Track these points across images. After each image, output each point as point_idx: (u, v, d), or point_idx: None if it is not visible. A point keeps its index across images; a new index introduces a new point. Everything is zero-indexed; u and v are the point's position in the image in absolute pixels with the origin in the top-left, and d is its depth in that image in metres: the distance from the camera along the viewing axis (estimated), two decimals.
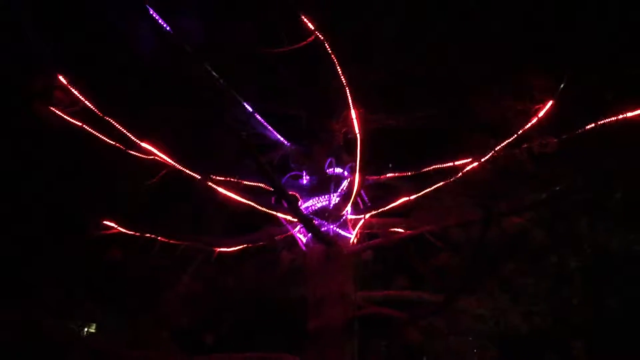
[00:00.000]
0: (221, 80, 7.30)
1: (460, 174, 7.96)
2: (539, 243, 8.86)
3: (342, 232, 8.96)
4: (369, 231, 9.37)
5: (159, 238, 9.28)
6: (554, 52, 7.11)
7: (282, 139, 9.47)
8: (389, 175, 9.32)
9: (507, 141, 7.39)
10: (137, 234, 9.22)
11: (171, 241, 9.37)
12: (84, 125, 7.59)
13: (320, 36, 6.95)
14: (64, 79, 7.19)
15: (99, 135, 7.72)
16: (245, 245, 9.82)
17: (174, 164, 7.82)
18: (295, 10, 6.76)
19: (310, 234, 9.01)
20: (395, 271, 9.99)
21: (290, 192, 9.33)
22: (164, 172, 8.05)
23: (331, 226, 8.83)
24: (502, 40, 7.34)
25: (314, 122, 9.40)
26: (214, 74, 7.13)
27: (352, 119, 7.85)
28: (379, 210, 8.79)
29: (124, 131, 7.55)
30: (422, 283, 9.76)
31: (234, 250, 9.83)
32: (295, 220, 8.81)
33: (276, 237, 9.60)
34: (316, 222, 8.71)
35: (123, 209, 9.10)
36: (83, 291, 10.12)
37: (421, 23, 7.82)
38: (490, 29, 7.43)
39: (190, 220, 9.83)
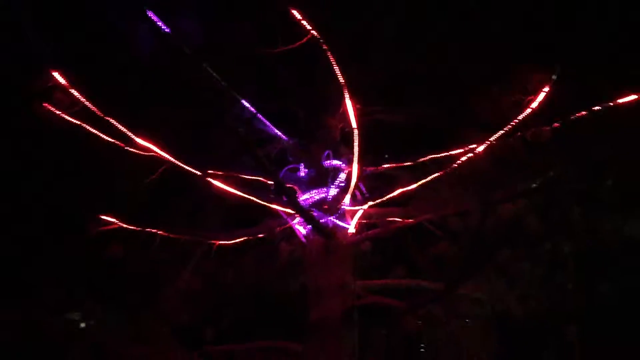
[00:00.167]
0: (221, 81, 7.33)
1: (456, 164, 8.09)
2: (533, 230, 9.00)
3: (341, 224, 9.06)
4: (367, 221, 9.50)
5: (158, 233, 9.38)
6: (550, 50, 7.22)
7: (279, 133, 9.54)
8: (386, 166, 9.45)
9: (501, 131, 7.52)
10: (137, 228, 9.32)
11: (171, 235, 9.47)
12: (83, 124, 7.64)
13: (316, 35, 7.01)
14: (64, 78, 7.21)
15: (98, 133, 7.77)
16: (244, 239, 9.93)
17: (173, 160, 7.90)
18: (291, 9, 6.81)
19: (309, 226, 9.10)
20: (394, 260, 10.09)
21: (288, 185, 9.44)
22: (162, 168, 8.15)
23: (330, 218, 8.93)
24: (500, 40, 7.45)
25: (312, 119, 9.48)
26: (214, 74, 7.17)
27: (348, 112, 7.93)
28: (377, 201, 8.91)
29: (123, 129, 7.60)
30: (419, 272, 9.86)
31: (233, 243, 9.95)
32: (294, 212, 8.91)
33: (275, 230, 9.69)
34: (315, 214, 8.80)
35: (122, 206, 9.16)
36: (83, 289, 10.14)
37: (420, 23, 7.90)
38: (489, 29, 7.53)
39: (189, 214, 9.87)
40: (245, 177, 9.23)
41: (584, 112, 7.45)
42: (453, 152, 8.49)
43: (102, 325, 10.61)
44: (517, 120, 7.39)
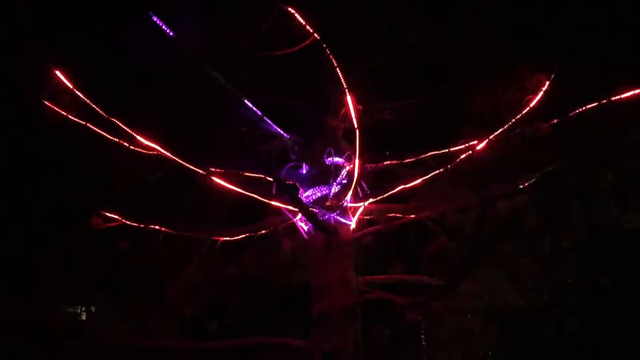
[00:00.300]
0: (225, 82, 7.38)
1: (457, 161, 8.17)
2: (533, 224, 9.06)
3: (343, 220, 9.13)
4: (368, 217, 9.58)
5: (162, 229, 9.48)
6: (549, 48, 7.27)
7: (281, 131, 9.59)
8: (386, 162, 9.52)
9: (501, 129, 7.60)
10: (140, 225, 9.41)
11: (174, 232, 9.57)
12: (88, 124, 7.70)
13: (310, 29, 7.05)
14: (65, 77, 7.27)
15: (102, 133, 7.84)
16: (247, 235, 10.03)
17: (177, 159, 7.97)
18: (286, 7, 6.85)
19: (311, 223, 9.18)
20: (394, 255, 10.15)
21: (290, 182, 9.52)
22: (166, 168, 8.22)
23: (332, 215, 9.01)
24: (500, 39, 7.50)
25: (313, 117, 9.54)
26: (218, 75, 7.21)
27: (350, 109, 7.98)
28: (378, 198, 9.00)
29: (126, 129, 7.66)
30: (419, 266, 9.93)
31: (237, 239, 10.04)
32: (296, 209, 8.99)
33: (278, 226, 9.78)
34: (317, 211, 8.89)
35: (126, 200, 9.24)
36: (87, 283, 10.21)
37: (414, 16, 7.96)
38: (490, 28, 7.58)
39: (193, 209, 9.95)
40: (248, 174, 9.31)
41: (582, 109, 7.53)
42: (453, 149, 8.57)
43: (106, 319, 10.70)
44: (516, 118, 7.47)
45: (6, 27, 6.93)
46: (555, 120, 7.74)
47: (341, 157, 9.32)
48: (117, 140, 7.90)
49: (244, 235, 10.03)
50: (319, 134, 9.53)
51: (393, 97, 9.32)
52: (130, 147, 8.00)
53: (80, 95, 7.38)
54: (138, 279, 9.84)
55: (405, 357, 11.28)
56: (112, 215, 9.21)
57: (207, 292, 10.31)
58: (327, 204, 9.01)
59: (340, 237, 8.97)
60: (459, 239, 9.17)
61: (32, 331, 8.79)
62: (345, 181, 9.20)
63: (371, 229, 9.34)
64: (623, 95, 7.18)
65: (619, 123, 7.51)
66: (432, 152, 8.95)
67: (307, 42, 7.00)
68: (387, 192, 8.84)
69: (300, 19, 6.97)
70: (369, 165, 9.36)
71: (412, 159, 9.30)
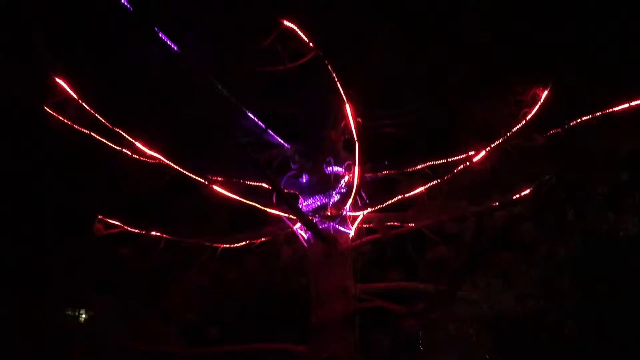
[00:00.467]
0: (229, 96, 7.45)
1: (455, 171, 8.29)
2: (530, 232, 9.19)
3: (342, 229, 9.21)
4: (367, 226, 9.68)
5: (163, 236, 9.57)
6: (543, 59, 7.38)
7: (282, 141, 9.68)
8: (385, 172, 9.63)
9: (498, 141, 7.71)
10: (141, 231, 9.50)
11: (175, 239, 9.66)
12: (92, 133, 7.79)
13: (310, 43, 7.13)
14: (69, 86, 7.34)
15: (105, 141, 7.91)
16: (247, 242, 10.13)
17: (179, 168, 8.06)
18: (284, 20, 6.94)
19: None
20: (393, 263, 10.23)
21: (290, 191, 9.62)
22: (167, 176, 8.30)
23: (331, 223, 9.10)
24: (497, 52, 7.60)
25: (313, 128, 9.64)
26: (222, 89, 7.29)
27: (349, 120, 8.08)
28: (377, 207, 9.10)
29: (129, 138, 7.74)
30: (418, 275, 10.01)
31: (237, 246, 10.14)
32: (296, 218, 9.09)
33: (278, 234, 9.87)
34: (316, 221, 8.99)
35: (126, 207, 9.33)
36: (88, 287, 10.27)
37: (414, 26, 8.06)
38: (486, 40, 7.68)
39: (193, 215, 10.02)
40: (249, 183, 9.40)
41: (577, 121, 7.66)
42: (451, 160, 8.68)
43: (106, 323, 10.77)
44: (513, 130, 7.59)
45: (15, 34, 7.00)
46: (551, 132, 7.88)
47: (341, 167, 9.41)
48: (120, 148, 7.97)
49: (244, 243, 10.12)
50: (319, 144, 9.61)
51: (392, 107, 9.42)
52: (133, 155, 8.07)
53: (85, 105, 7.43)
54: (139, 284, 9.92)
55: None
56: (113, 222, 9.29)
57: (207, 297, 10.40)
58: (327, 212, 9.10)
59: (340, 245, 9.06)
60: (457, 247, 9.26)
61: (35, 332, 8.89)
62: (344, 190, 9.29)
63: (370, 237, 9.42)
64: (616, 108, 7.29)
65: (615, 133, 7.64)
66: (431, 162, 9.04)
67: (307, 58, 7.07)
68: (386, 202, 8.93)
69: (300, 33, 7.05)
70: (368, 175, 9.45)
71: (410, 169, 9.37)
